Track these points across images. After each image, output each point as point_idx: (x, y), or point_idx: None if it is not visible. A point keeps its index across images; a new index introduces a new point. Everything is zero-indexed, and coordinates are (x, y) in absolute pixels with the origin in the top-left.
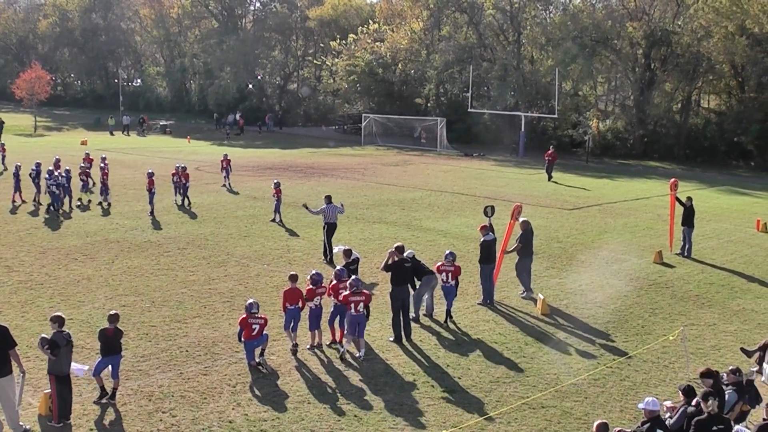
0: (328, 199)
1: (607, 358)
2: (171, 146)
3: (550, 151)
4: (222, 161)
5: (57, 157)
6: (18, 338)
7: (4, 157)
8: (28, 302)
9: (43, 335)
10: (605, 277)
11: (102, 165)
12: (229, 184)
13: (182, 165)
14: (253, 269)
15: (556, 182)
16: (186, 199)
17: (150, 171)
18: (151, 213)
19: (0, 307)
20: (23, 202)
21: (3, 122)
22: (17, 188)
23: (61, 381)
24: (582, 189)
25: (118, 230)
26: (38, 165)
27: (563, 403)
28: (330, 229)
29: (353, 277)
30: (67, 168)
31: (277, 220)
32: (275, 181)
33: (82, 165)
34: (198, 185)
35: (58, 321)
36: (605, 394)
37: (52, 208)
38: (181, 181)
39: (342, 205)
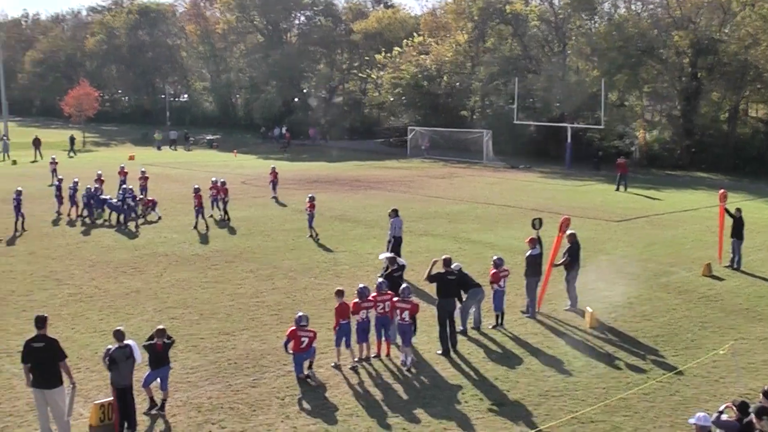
0: (395, 212)
1: (656, 372)
2: (217, 160)
3: (620, 161)
4: (270, 174)
5: (99, 171)
6: (68, 350)
7: (54, 170)
8: (78, 315)
9: (109, 347)
10: (653, 290)
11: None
12: (276, 196)
13: (221, 179)
14: (300, 282)
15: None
16: (225, 214)
17: (196, 186)
18: (195, 227)
19: (51, 319)
20: (79, 216)
21: (39, 140)
22: (73, 202)
23: (121, 393)
24: (634, 200)
25: (166, 244)
26: (76, 183)
27: (612, 418)
28: (397, 243)
29: (403, 285)
30: (130, 187)
31: (312, 234)
32: (309, 195)
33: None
34: (245, 198)
35: (117, 336)
36: (655, 409)
37: (88, 219)
38: (219, 195)
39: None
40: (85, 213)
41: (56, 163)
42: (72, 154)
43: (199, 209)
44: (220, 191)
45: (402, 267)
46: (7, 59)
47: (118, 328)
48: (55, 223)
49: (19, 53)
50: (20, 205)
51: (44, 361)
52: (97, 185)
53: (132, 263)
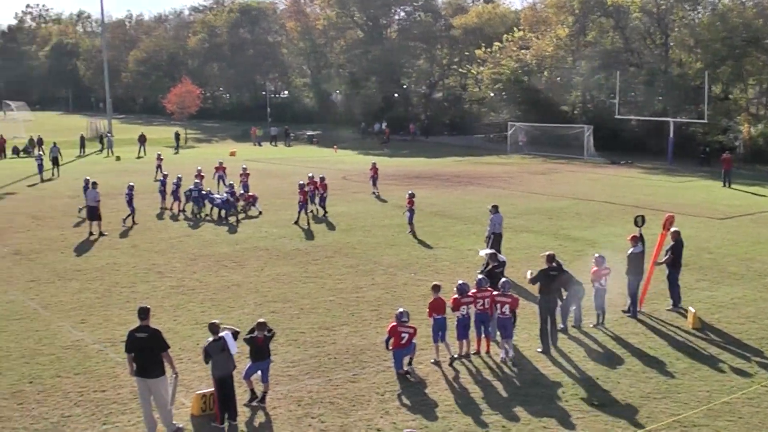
0: (495, 208)
1: (762, 376)
2: (317, 156)
3: (725, 156)
4: (370, 170)
5: (198, 167)
6: (170, 341)
7: (159, 166)
8: (179, 307)
9: (208, 339)
10: (758, 290)
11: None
12: (377, 192)
13: (320, 175)
14: (400, 278)
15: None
16: (323, 210)
17: (301, 182)
18: (296, 222)
19: (153, 311)
20: (182, 211)
21: (145, 137)
22: (176, 197)
23: (221, 384)
24: (738, 197)
25: (266, 238)
26: (179, 179)
27: (716, 423)
28: (496, 239)
29: (503, 279)
30: (230, 183)
31: (411, 230)
32: (409, 191)
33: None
34: (345, 194)
35: (212, 329)
36: (760, 414)
37: (191, 213)
38: (317, 191)
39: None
40: (191, 208)
41: (162, 159)
42: (177, 150)
43: (303, 204)
44: (318, 187)
45: (502, 263)
46: (111, 59)
47: (213, 321)
48: (159, 217)
49: (123, 53)
50: (132, 200)
51: (147, 351)
52: (196, 181)
53: (233, 257)
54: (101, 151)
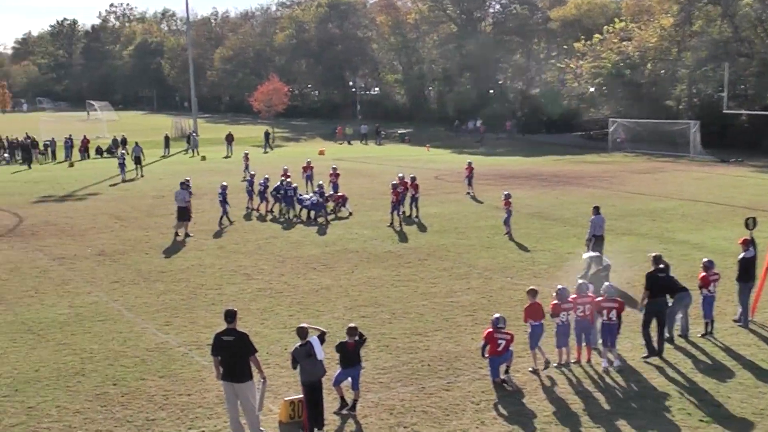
0: (596, 209)
1: None
2: (409, 155)
3: None
4: (465, 169)
5: (285, 167)
6: (258, 345)
7: (247, 166)
8: (267, 310)
9: (296, 345)
10: None
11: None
12: (473, 192)
13: (411, 175)
14: (496, 282)
15: None
16: (415, 210)
17: (394, 182)
18: (391, 224)
19: (240, 314)
20: (269, 212)
21: (232, 136)
22: (263, 198)
23: (309, 390)
24: None
25: (357, 240)
26: (266, 179)
27: None
28: (598, 242)
29: (606, 283)
30: (320, 183)
31: (505, 232)
32: (505, 192)
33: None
34: (438, 195)
35: (299, 333)
36: None
37: (278, 214)
38: (406, 191)
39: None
40: (279, 208)
41: (249, 158)
42: (267, 149)
43: (396, 205)
44: (409, 187)
45: (607, 267)
46: (196, 57)
47: (301, 325)
48: (246, 218)
49: (208, 51)
50: (225, 199)
51: (234, 355)
52: (287, 179)
53: (322, 259)
54: (187, 151)
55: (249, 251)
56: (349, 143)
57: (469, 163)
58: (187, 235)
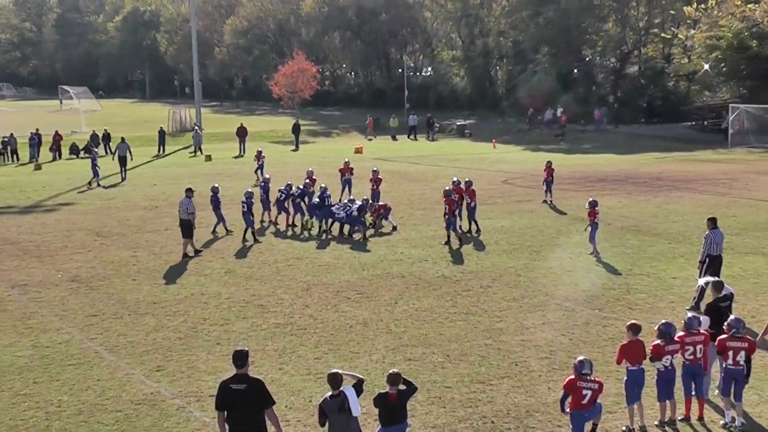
0: (712, 223)
1: None
2: (470, 153)
3: None
4: (544, 171)
5: (309, 168)
6: (276, 396)
7: (261, 165)
8: (287, 351)
9: (326, 396)
10: None
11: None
12: (551, 200)
13: (466, 179)
14: (580, 315)
15: None
16: (473, 224)
17: (447, 189)
18: (447, 242)
19: (253, 356)
20: (273, 223)
21: (245, 130)
22: (282, 208)
23: None
24: None
25: (402, 262)
26: (288, 186)
27: None
28: (713, 262)
29: (733, 316)
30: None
31: (592, 251)
32: (590, 199)
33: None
34: (507, 203)
35: (331, 381)
36: None
37: (302, 228)
38: (463, 200)
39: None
40: (307, 222)
41: (263, 157)
42: (297, 146)
43: (451, 218)
44: (465, 194)
45: (729, 296)
46: (202, 30)
47: (334, 371)
48: (261, 233)
49: (217, 22)
50: (251, 209)
51: (246, 408)
52: (322, 186)
53: (358, 287)
54: (194, 151)
55: (265, 276)
56: (394, 138)
57: (548, 163)
58: (196, 252)
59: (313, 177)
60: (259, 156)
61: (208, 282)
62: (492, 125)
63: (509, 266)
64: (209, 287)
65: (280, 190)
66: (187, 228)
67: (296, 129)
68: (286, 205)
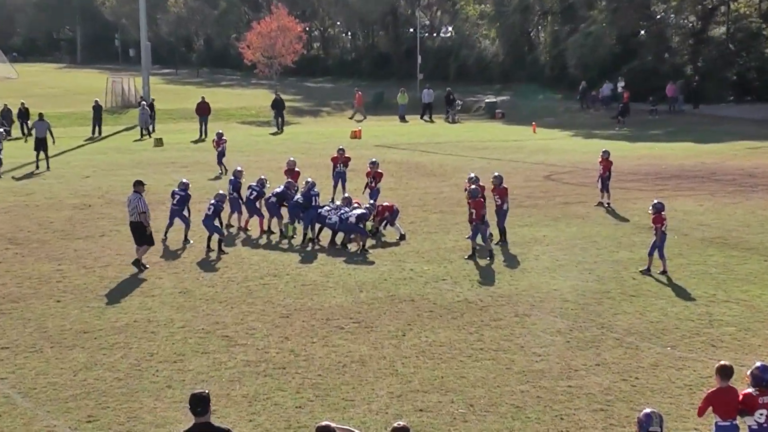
0: None
1: None
2: (503, 139)
3: None
4: (600, 163)
5: (291, 158)
6: None
7: (223, 152)
8: (260, 397)
9: None
10: None
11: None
12: (609, 202)
13: (495, 174)
14: (645, 354)
15: None
16: (502, 234)
17: (473, 188)
18: (471, 256)
19: (215, 402)
20: (242, 229)
21: (208, 106)
22: (253, 210)
23: None
24: None
25: (412, 281)
26: (262, 182)
27: None
28: None
29: (759, 363)
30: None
31: (662, 269)
32: (655, 201)
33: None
34: (551, 206)
35: None
36: None
37: (281, 235)
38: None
39: None
40: (287, 228)
41: (224, 141)
42: (280, 127)
43: (478, 224)
44: (493, 194)
45: None
46: None
47: (324, 423)
48: (229, 243)
49: None
50: (217, 214)
51: None
52: (288, 181)
53: (354, 313)
54: (141, 134)
55: (231, 299)
56: (403, 119)
57: (605, 155)
58: (142, 266)
59: (296, 169)
60: (219, 140)
61: (156, 305)
62: (531, 103)
63: (553, 288)
64: (158, 312)
65: (250, 187)
66: (140, 232)
67: (278, 105)
68: (258, 205)
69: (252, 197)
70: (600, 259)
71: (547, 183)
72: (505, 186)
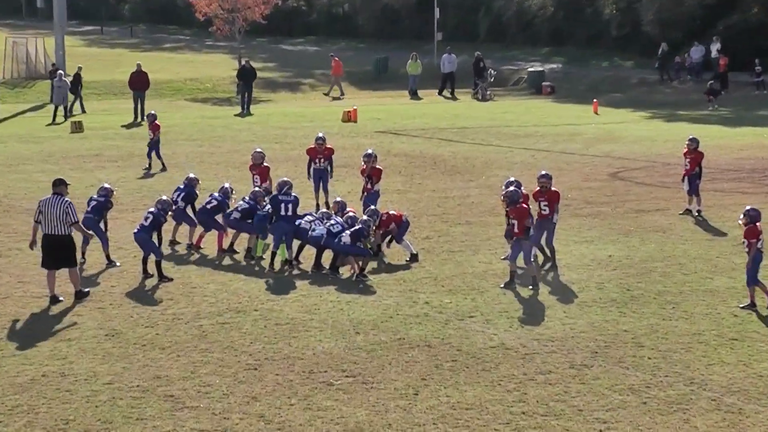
0: None
1: None
2: (553, 123)
3: None
4: (685, 156)
5: (258, 149)
6: None
7: (156, 142)
8: None
9: None
10: None
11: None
12: (699, 209)
13: (542, 172)
14: (751, 420)
15: None
16: (551, 254)
17: (514, 191)
18: (508, 283)
19: None
20: (194, 247)
21: (146, 78)
22: (212, 224)
23: None
24: None
25: (428, 319)
26: (225, 192)
27: None
28: None
29: None
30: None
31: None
32: (748, 208)
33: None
34: (619, 215)
35: None
36: None
37: (247, 256)
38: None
39: None
40: (258, 245)
41: (158, 127)
42: (246, 109)
43: (519, 240)
44: (537, 198)
45: None
46: None
47: None
48: (175, 265)
49: None
50: (156, 227)
51: None
52: (257, 184)
53: (348, 364)
54: (54, 115)
55: (178, 344)
56: (414, 95)
57: (693, 144)
58: (78, 294)
59: (265, 164)
60: (152, 123)
61: (74, 353)
62: (592, 73)
63: (623, 330)
64: (76, 363)
65: (211, 196)
66: (62, 251)
67: (246, 76)
68: (216, 218)
69: (210, 206)
70: (687, 288)
71: (613, 183)
72: (556, 189)
